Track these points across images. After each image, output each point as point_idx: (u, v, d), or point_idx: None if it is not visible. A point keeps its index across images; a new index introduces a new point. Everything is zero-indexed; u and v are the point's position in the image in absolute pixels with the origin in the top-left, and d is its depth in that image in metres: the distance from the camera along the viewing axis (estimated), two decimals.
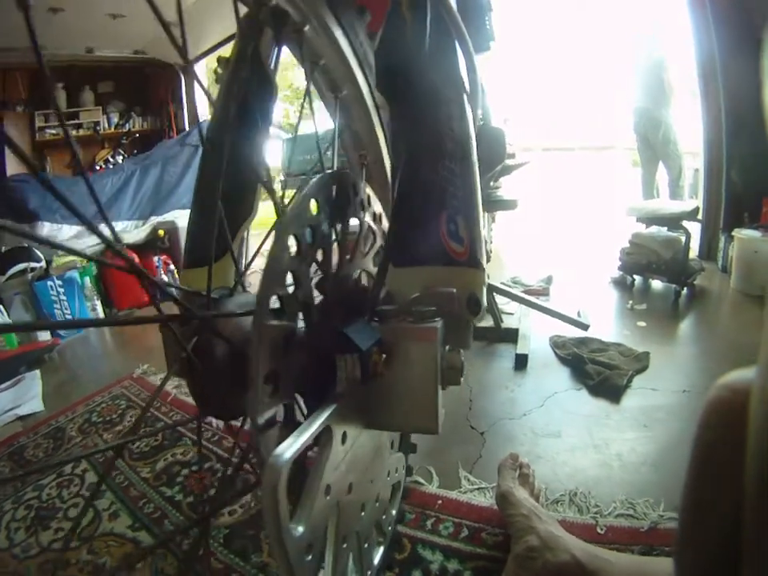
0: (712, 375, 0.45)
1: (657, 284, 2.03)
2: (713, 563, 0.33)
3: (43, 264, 2.13)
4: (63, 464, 1.04)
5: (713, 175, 2.29)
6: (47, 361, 1.73)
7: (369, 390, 0.42)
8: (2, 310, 1.90)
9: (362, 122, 0.69)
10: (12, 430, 1.24)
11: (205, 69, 3.37)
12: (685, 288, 1.85)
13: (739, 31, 1.93)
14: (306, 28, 0.54)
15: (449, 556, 0.72)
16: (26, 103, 3.02)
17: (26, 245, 2.13)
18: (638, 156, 3.47)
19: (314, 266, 0.43)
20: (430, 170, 0.47)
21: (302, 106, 0.56)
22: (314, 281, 0.44)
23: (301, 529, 0.31)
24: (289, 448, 0.30)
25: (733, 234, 1.94)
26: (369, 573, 0.53)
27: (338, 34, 0.58)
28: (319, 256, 0.44)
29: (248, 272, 0.61)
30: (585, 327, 1.39)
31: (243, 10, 0.52)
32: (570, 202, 5.07)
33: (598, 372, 1.23)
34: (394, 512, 0.68)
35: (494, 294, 1.48)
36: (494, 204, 1.47)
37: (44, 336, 1.89)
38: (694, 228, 2.13)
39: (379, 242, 0.56)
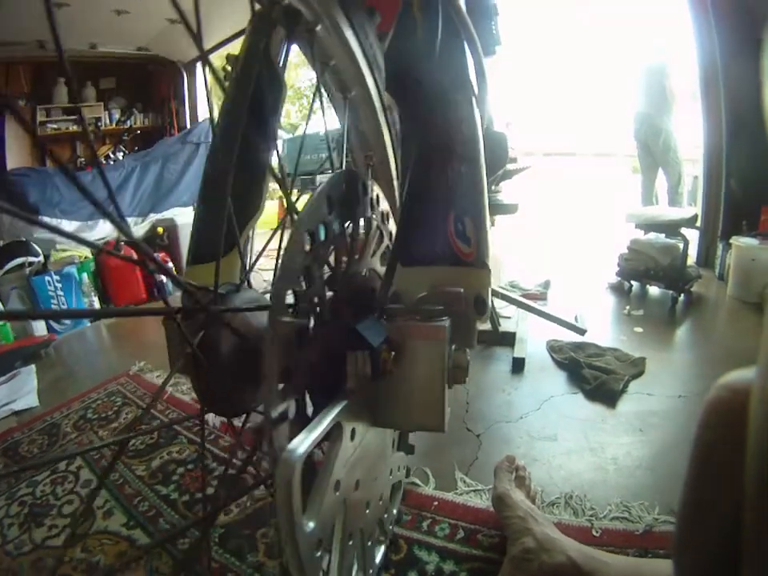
0: (707, 381, 0.45)
1: (654, 290, 2.04)
2: (713, 563, 0.33)
3: (41, 259, 2.11)
4: (59, 460, 1.03)
5: (712, 183, 2.29)
6: (43, 356, 1.71)
7: (377, 387, 0.42)
8: None
9: (369, 122, 0.70)
10: (6, 426, 1.23)
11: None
12: (682, 294, 1.86)
13: (741, 33, 1.92)
14: (318, 27, 0.55)
15: (445, 557, 0.71)
16: (29, 98, 3.00)
17: (24, 239, 2.12)
18: (638, 163, 3.49)
19: None
20: (440, 170, 0.47)
21: (311, 107, 0.57)
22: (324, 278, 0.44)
23: (312, 524, 0.31)
24: (302, 443, 0.30)
25: (730, 241, 1.94)
26: (371, 571, 0.53)
27: (349, 35, 0.59)
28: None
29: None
30: (582, 332, 1.40)
31: (253, 8, 0.52)
32: (569, 207, 5.08)
33: (595, 377, 1.24)
34: (394, 511, 0.68)
35: (492, 297, 1.48)
36: (493, 208, 1.47)
37: (40, 331, 1.88)
38: (693, 235, 2.15)
39: (386, 241, 0.56)
